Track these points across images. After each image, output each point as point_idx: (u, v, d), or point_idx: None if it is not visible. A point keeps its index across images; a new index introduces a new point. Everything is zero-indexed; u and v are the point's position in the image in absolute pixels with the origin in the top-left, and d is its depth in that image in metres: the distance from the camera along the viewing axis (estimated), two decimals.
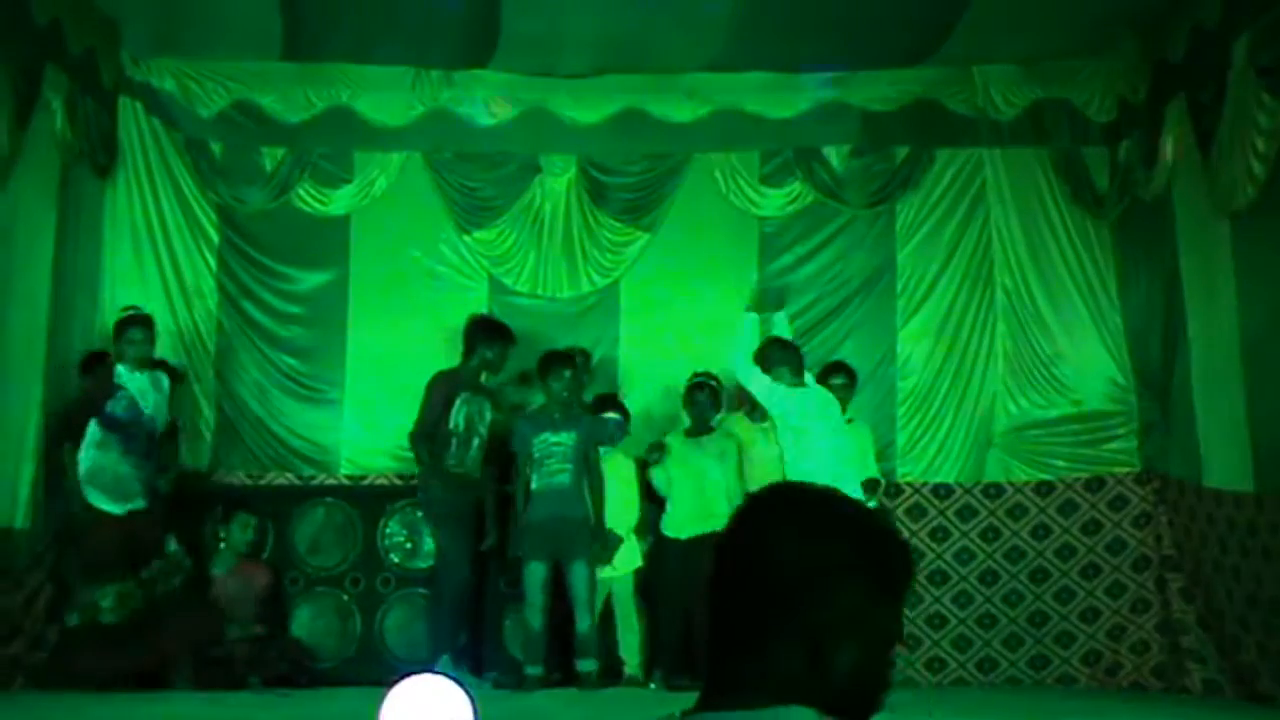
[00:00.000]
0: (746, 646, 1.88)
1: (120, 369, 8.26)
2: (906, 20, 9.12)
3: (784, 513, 1.96)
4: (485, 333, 8.77)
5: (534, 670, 8.33)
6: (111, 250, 9.54)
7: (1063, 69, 9.66)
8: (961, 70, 9.77)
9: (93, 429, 8.11)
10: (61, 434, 8.10)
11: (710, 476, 8.65)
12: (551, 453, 8.48)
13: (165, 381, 8.46)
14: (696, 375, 8.86)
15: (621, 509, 8.70)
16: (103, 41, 9.24)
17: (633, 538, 8.75)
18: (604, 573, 8.58)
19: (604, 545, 8.53)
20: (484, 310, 9.51)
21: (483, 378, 8.79)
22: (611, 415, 8.83)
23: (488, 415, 8.70)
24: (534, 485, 8.50)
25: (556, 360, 8.70)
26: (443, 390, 8.60)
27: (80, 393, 8.30)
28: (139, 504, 8.21)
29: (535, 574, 8.33)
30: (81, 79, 8.91)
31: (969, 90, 9.83)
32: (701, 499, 8.62)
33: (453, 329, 9.14)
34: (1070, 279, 9.71)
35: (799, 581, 1.86)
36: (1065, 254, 9.74)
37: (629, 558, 8.71)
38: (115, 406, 8.16)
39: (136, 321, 8.43)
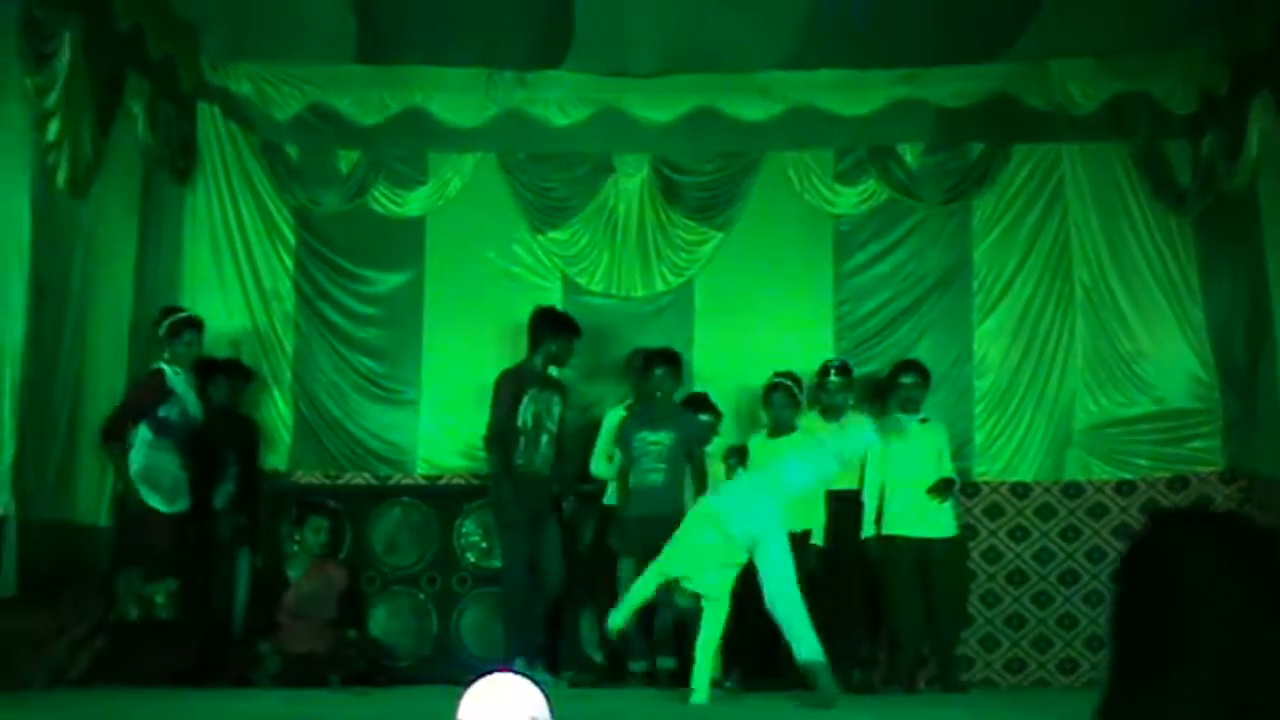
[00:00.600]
0: (1147, 669, 1.79)
1: (168, 371, 8.28)
2: (981, 15, 9.04)
3: (1208, 541, 1.84)
4: (550, 325, 8.77)
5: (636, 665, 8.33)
6: (191, 253, 9.65)
7: (1142, 62, 9.52)
8: (1038, 65, 9.66)
9: (143, 430, 8.14)
10: (110, 433, 8.10)
11: None
12: (647, 451, 8.49)
13: (194, 381, 8.52)
14: (776, 375, 8.82)
15: None
16: (182, 47, 9.35)
17: None
18: None
19: None
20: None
21: (550, 371, 8.80)
22: (704, 416, 8.81)
23: (556, 411, 8.70)
24: (631, 483, 8.52)
25: (650, 358, 8.72)
26: (510, 388, 8.62)
27: (128, 395, 8.28)
28: (184, 505, 8.26)
29: (626, 572, 8.33)
30: (161, 85, 9.03)
31: (1045, 85, 9.73)
32: None
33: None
34: (1150, 274, 9.57)
35: (1213, 616, 1.74)
36: (1145, 249, 9.60)
37: None
38: (169, 411, 8.20)
39: (192, 323, 8.48)
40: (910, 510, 8.56)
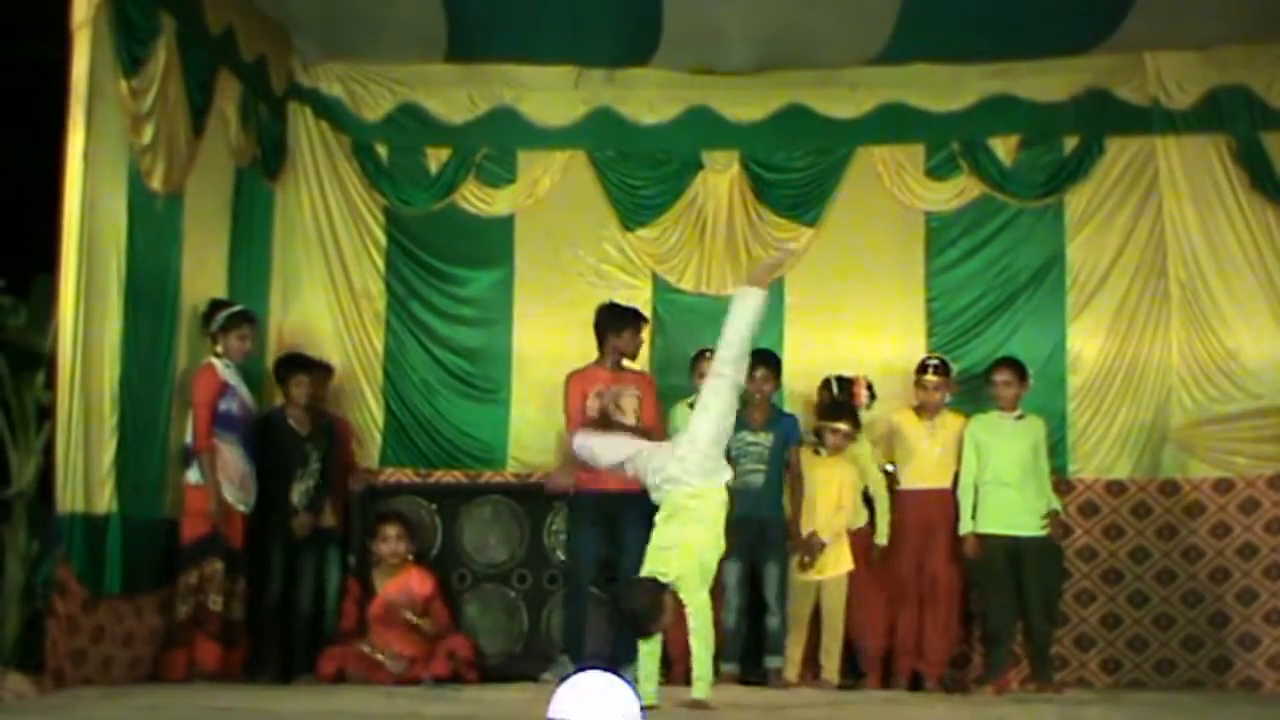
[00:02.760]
0: None
1: (219, 364, 8.20)
2: (1075, 7, 8.95)
3: None
4: (610, 322, 8.75)
5: (727, 666, 8.31)
6: (282, 253, 9.73)
7: (1241, 53, 9.36)
8: (1133, 57, 9.53)
9: None
10: (202, 444, 7.97)
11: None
12: (746, 452, 8.47)
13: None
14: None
15: (831, 512, 8.60)
16: (273, 49, 9.44)
17: (844, 540, 8.64)
18: (811, 575, 8.53)
19: (804, 551, 8.49)
20: (648, 309, 9.58)
21: (614, 365, 8.77)
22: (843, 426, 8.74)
23: (629, 404, 8.64)
24: (730, 484, 8.49)
25: (750, 359, 8.70)
26: (577, 388, 8.65)
27: (196, 396, 8.06)
28: (252, 499, 8.23)
29: (728, 573, 8.27)
30: (253, 86, 9.12)
31: (1140, 77, 9.59)
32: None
33: None
34: (1249, 269, 9.40)
35: None
36: (1243, 244, 9.44)
37: (837, 560, 8.62)
38: (228, 405, 8.13)
39: (247, 317, 8.41)
40: (1002, 508, 8.49)
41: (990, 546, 8.48)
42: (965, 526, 8.54)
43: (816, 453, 8.69)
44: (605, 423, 8.48)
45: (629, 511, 8.50)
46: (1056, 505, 8.61)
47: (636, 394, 8.71)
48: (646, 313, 9.43)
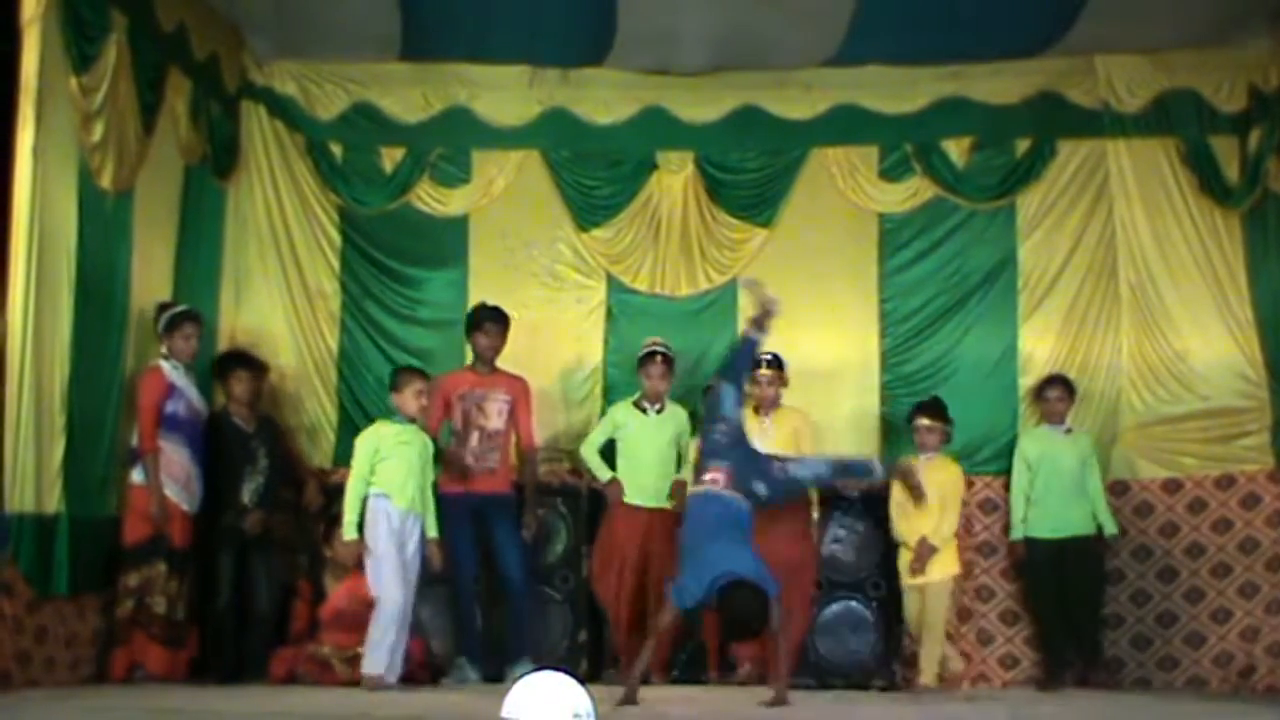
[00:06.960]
0: None
1: (166, 366, 8.17)
2: (1027, 11, 9.00)
3: None
4: (468, 321, 8.88)
5: None
6: (234, 252, 9.68)
7: (1190, 57, 9.47)
8: (1084, 60, 9.61)
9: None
10: (147, 447, 7.95)
11: None
12: None
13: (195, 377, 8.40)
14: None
15: (938, 516, 8.59)
16: (226, 47, 9.39)
17: (952, 544, 8.63)
18: (918, 579, 8.54)
19: (915, 557, 8.63)
20: (602, 309, 9.70)
21: (483, 367, 8.81)
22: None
23: (493, 407, 8.69)
24: None
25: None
26: (438, 394, 8.64)
27: (142, 400, 8.02)
28: (198, 499, 8.20)
29: None
30: (205, 84, 9.08)
31: (1091, 81, 9.68)
32: None
33: (574, 327, 9.53)
34: (1197, 271, 9.49)
35: None
36: (1192, 246, 9.53)
37: (943, 564, 8.59)
38: (175, 407, 8.10)
39: (190, 317, 8.35)
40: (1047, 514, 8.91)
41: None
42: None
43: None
44: (464, 426, 8.57)
45: (498, 511, 8.51)
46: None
47: (505, 398, 8.73)
48: (600, 313, 9.47)
